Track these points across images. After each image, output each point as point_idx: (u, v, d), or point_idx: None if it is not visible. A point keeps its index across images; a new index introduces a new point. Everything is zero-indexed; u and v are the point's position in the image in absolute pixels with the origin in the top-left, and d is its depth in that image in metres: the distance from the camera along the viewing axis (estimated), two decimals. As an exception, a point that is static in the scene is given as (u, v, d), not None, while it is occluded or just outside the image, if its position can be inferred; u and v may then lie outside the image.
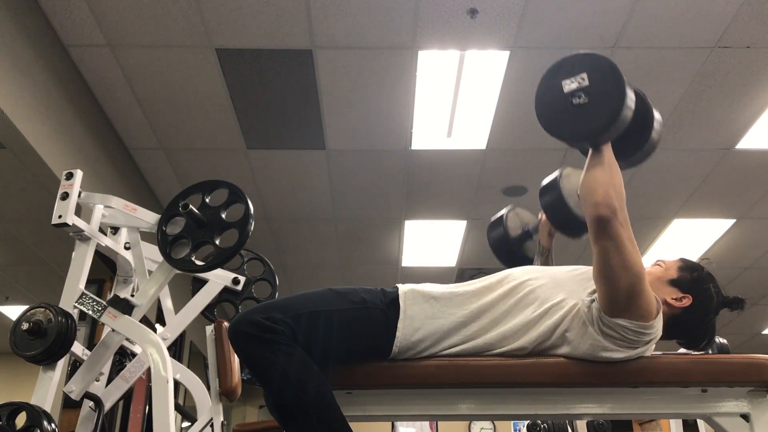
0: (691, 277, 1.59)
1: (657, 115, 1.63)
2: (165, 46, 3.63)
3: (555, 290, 1.51)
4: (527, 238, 2.09)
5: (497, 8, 3.40)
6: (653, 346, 1.50)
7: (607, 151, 1.46)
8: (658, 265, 1.63)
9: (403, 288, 1.55)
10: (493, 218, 2.12)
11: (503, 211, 2.11)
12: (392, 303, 1.51)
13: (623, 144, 1.51)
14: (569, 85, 1.44)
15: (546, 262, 1.99)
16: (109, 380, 2.32)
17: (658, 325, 1.45)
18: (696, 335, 1.61)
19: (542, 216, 1.99)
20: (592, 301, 1.45)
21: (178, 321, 2.50)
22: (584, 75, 1.44)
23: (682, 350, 1.69)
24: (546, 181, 1.89)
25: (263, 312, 1.42)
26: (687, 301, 1.56)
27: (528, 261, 2.05)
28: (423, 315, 1.50)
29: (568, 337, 1.46)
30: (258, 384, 1.44)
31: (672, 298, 1.56)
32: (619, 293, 1.40)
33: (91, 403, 2.26)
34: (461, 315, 1.51)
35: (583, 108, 1.42)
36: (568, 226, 1.68)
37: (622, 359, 1.45)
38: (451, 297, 1.53)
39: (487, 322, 1.50)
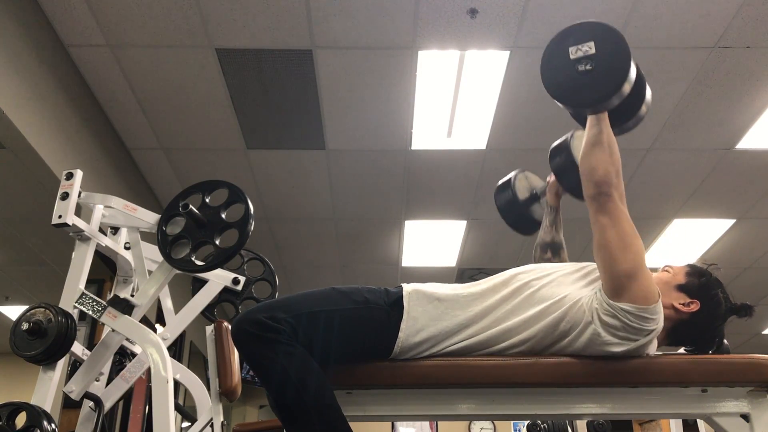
0: (699, 282, 1.58)
1: (648, 88, 1.72)
2: (165, 46, 3.63)
3: (559, 288, 1.52)
4: (535, 201, 2.13)
5: (497, 8, 3.40)
6: (655, 344, 1.50)
7: (605, 123, 1.50)
8: (666, 270, 1.63)
9: (407, 288, 1.55)
10: (501, 182, 2.17)
11: (511, 175, 2.16)
12: (396, 303, 1.51)
13: (617, 112, 1.57)
14: (576, 51, 1.47)
15: (554, 221, 2.00)
16: (109, 380, 2.32)
17: (659, 311, 1.44)
18: (704, 341, 1.60)
19: (550, 177, 2.02)
20: (597, 292, 1.47)
21: (178, 321, 2.50)
22: (591, 43, 1.46)
23: (682, 350, 1.69)
24: (556, 143, 1.93)
25: (266, 311, 1.42)
26: (695, 307, 1.55)
27: (535, 223, 2.08)
28: (427, 316, 1.50)
29: (568, 332, 1.46)
30: (259, 383, 1.45)
31: (680, 303, 1.55)
32: (619, 271, 1.42)
33: (91, 403, 2.26)
34: (465, 317, 1.50)
35: (588, 75, 1.45)
36: (577, 188, 1.71)
37: (622, 353, 1.45)
38: (456, 299, 1.53)
39: (489, 321, 1.50)
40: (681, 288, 1.58)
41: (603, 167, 1.45)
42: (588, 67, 1.45)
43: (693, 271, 1.61)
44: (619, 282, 1.42)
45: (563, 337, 1.47)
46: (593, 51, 1.45)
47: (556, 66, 1.50)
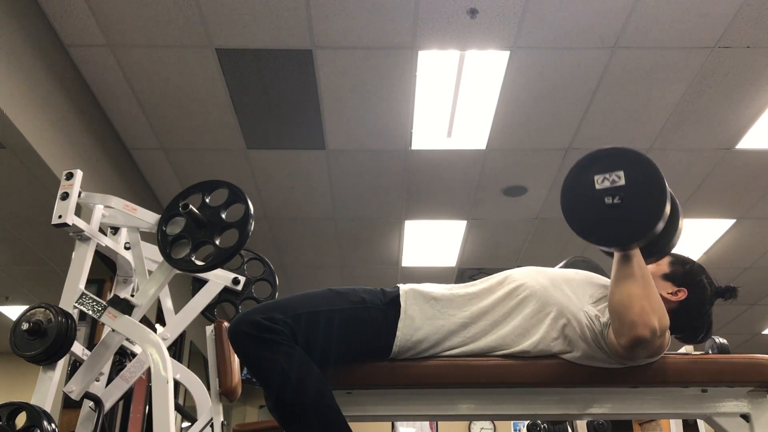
0: (683, 270, 1.60)
1: (680, 210, 1.55)
2: (165, 46, 3.63)
3: (555, 293, 1.51)
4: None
5: (497, 8, 3.40)
6: None
7: (637, 256, 1.36)
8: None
9: (403, 288, 1.55)
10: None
11: (560, 265, 1.98)
12: (392, 302, 1.52)
13: (647, 245, 1.42)
14: (602, 181, 1.34)
15: None
16: (109, 380, 2.32)
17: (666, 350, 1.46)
18: (694, 328, 1.61)
19: None
20: (598, 317, 1.45)
21: (178, 321, 2.50)
22: (620, 173, 1.33)
23: (682, 350, 1.70)
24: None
25: (263, 312, 1.42)
26: (682, 295, 1.57)
27: None
28: (423, 315, 1.50)
29: (566, 349, 1.47)
30: (258, 384, 1.44)
31: (667, 293, 1.56)
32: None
33: (91, 403, 2.25)
34: (462, 317, 1.51)
35: (616, 210, 1.31)
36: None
37: (618, 367, 1.47)
38: (452, 298, 1.53)
39: (487, 324, 1.51)
40: (667, 277, 1.59)
41: (638, 304, 1.31)
42: (616, 200, 1.31)
43: (676, 260, 1.62)
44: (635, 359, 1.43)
45: (560, 347, 1.48)
46: (622, 182, 1.32)
47: (579, 195, 1.36)
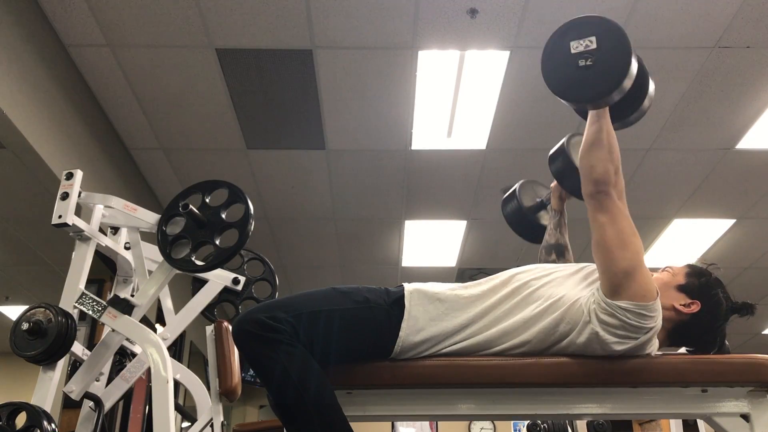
0: (699, 282, 1.58)
1: (651, 81, 1.71)
2: (165, 46, 3.63)
3: (558, 288, 1.52)
4: (541, 208, 2.14)
5: (497, 8, 3.40)
6: (655, 343, 1.50)
7: (605, 120, 1.49)
8: (667, 271, 1.63)
9: (408, 287, 1.55)
10: (506, 194, 2.18)
11: (515, 186, 2.17)
12: (396, 302, 1.51)
13: (619, 107, 1.57)
14: (577, 46, 1.46)
15: (559, 223, 2.01)
16: (109, 380, 2.32)
17: (657, 309, 1.44)
18: (705, 342, 1.59)
19: (554, 183, 2.03)
20: (595, 291, 1.46)
21: (178, 321, 2.50)
22: (593, 38, 1.46)
23: (682, 350, 1.69)
24: (554, 148, 1.93)
25: (266, 311, 1.42)
26: (695, 307, 1.54)
27: (544, 229, 2.08)
28: (427, 316, 1.50)
29: (568, 333, 1.46)
30: (260, 383, 1.45)
31: (680, 304, 1.55)
32: (617, 270, 1.42)
33: (91, 403, 2.26)
34: (465, 318, 1.51)
35: (588, 70, 1.44)
36: (579, 190, 1.70)
37: (622, 352, 1.45)
38: (456, 299, 1.53)
39: (488, 321, 1.51)
40: (681, 288, 1.57)
41: (602, 165, 1.45)
42: (589, 62, 1.44)
43: (693, 271, 1.60)
44: (617, 280, 1.42)
45: (563, 338, 1.47)
46: (594, 46, 1.45)
47: (557, 60, 1.50)
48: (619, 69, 1.43)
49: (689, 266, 1.63)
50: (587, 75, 1.44)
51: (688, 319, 1.54)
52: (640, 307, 1.41)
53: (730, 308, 1.58)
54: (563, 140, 1.93)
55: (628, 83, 1.44)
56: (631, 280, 1.41)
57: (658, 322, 1.45)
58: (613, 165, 1.47)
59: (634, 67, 1.45)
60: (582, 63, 1.44)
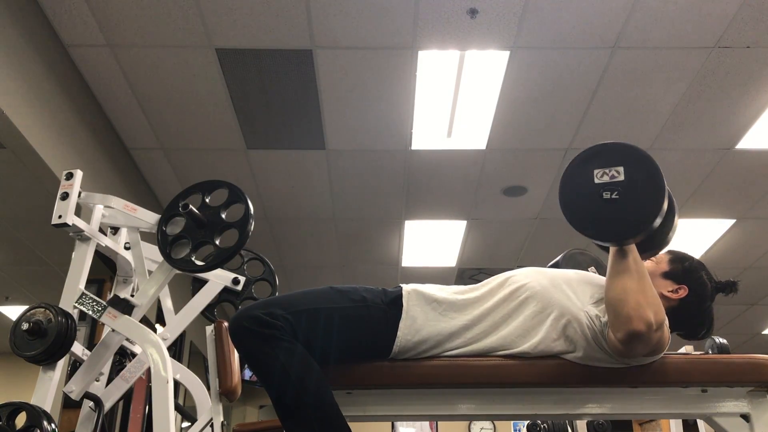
0: (683, 267, 1.60)
1: (677, 215, 1.57)
2: (165, 46, 3.63)
3: (556, 294, 1.51)
4: None
5: (497, 8, 3.40)
6: None
7: (633, 252, 1.37)
8: (650, 260, 1.64)
9: (406, 288, 1.55)
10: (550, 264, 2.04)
11: (558, 258, 1.99)
12: (394, 302, 1.51)
13: (643, 241, 1.42)
14: (601, 176, 1.33)
15: None
16: (109, 380, 2.31)
17: (666, 348, 1.46)
18: (695, 324, 1.61)
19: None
20: (598, 316, 1.45)
21: (178, 321, 2.50)
22: (620, 168, 1.32)
23: (682, 350, 1.70)
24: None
25: (264, 308, 1.42)
26: (683, 292, 1.57)
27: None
28: (425, 317, 1.50)
29: (567, 350, 1.47)
30: (259, 383, 1.45)
31: (668, 291, 1.57)
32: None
33: (91, 403, 2.25)
34: (463, 320, 1.51)
35: (614, 205, 1.31)
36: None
37: (619, 367, 1.47)
38: (454, 301, 1.53)
39: (488, 325, 1.51)
40: (667, 275, 1.59)
41: (634, 299, 1.31)
42: (614, 195, 1.31)
43: (675, 257, 1.63)
44: (635, 357, 1.43)
45: (563, 353, 1.48)
46: (621, 177, 1.32)
47: (577, 188, 1.36)
48: (649, 208, 1.31)
49: (670, 252, 1.64)
50: (612, 210, 1.31)
51: (677, 304, 1.56)
52: (648, 359, 1.44)
53: (714, 288, 1.60)
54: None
55: (658, 222, 1.32)
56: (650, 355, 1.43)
57: (665, 350, 1.47)
58: (645, 297, 1.31)
59: (666, 205, 1.32)
60: (607, 195, 1.31)
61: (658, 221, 1.32)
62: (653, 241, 1.50)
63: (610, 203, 1.31)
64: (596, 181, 1.33)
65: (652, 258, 1.64)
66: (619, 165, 1.33)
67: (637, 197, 1.31)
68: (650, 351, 1.41)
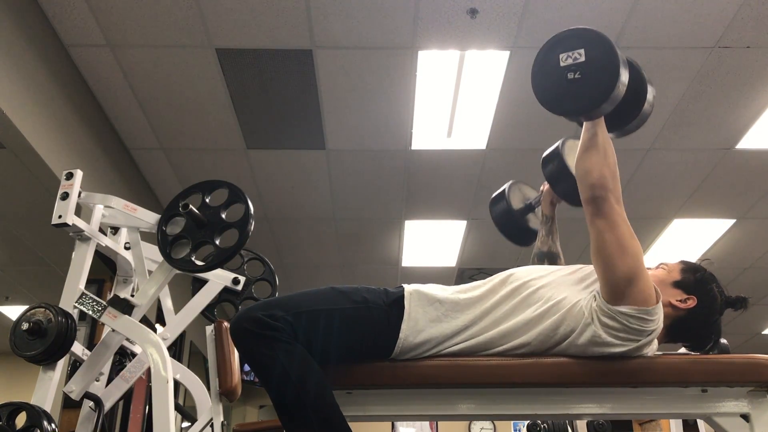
0: (694, 278, 1.59)
1: (650, 87, 1.67)
2: (165, 46, 3.63)
3: (558, 289, 1.51)
4: (529, 211, 2.13)
5: (497, 8, 3.40)
6: (655, 345, 1.50)
7: (600, 127, 1.48)
8: (662, 268, 1.63)
9: (408, 288, 1.55)
10: (495, 194, 2.17)
11: (504, 186, 2.15)
12: (395, 303, 1.51)
13: (616, 115, 1.55)
14: (566, 59, 1.46)
15: (550, 230, 2.00)
16: (109, 380, 2.32)
17: (659, 313, 1.44)
18: (702, 336, 1.60)
19: (544, 186, 2.02)
20: (595, 295, 1.46)
21: (178, 321, 2.50)
22: (581, 50, 1.45)
23: (682, 350, 1.70)
24: (547, 151, 1.92)
25: (264, 309, 1.42)
26: (692, 303, 1.56)
27: (532, 233, 2.07)
28: (427, 318, 1.50)
29: (568, 335, 1.46)
30: (259, 383, 1.45)
31: (677, 300, 1.56)
32: (617, 276, 1.41)
33: (91, 403, 2.25)
34: (465, 319, 1.51)
35: (577, 83, 1.44)
36: (572, 194, 1.71)
37: (622, 354, 1.45)
38: (456, 301, 1.53)
39: (489, 322, 1.51)
40: (677, 285, 1.58)
41: (598, 170, 1.44)
42: (577, 75, 1.44)
43: (687, 267, 1.62)
44: (618, 287, 1.42)
45: (563, 339, 1.47)
46: (583, 59, 1.44)
47: (546, 73, 1.50)
48: (606, 81, 1.42)
49: (683, 262, 1.64)
50: (576, 88, 1.44)
51: (684, 314, 1.55)
52: (641, 312, 1.41)
53: (724, 302, 1.60)
54: (557, 143, 1.92)
55: (618, 94, 1.43)
56: (631, 285, 1.41)
57: (659, 325, 1.45)
58: (609, 170, 1.45)
59: (625, 77, 1.43)
60: (571, 76, 1.44)
61: (617, 93, 1.42)
62: (624, 115, 1.62)
63: (575, 82, 1.44)
64: (561, 64, 1.46)
65: (664, 266, 1.63)
66: (581, 48, 1.45)
67: (597, 73, 1.43)
68: (611, 223, 1.43)
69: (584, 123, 1.51)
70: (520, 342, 1.48)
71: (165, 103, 4.09)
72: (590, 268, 1.57)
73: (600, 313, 1.43)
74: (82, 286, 2.03)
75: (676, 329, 1.55)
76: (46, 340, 1.87)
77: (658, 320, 1.44)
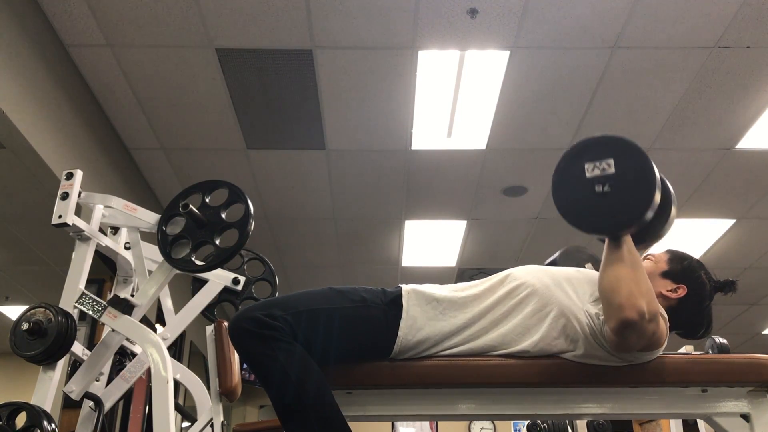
0: (681, 266, 1.60)
1: (675, 206, 1.56)
2: (165, 46, 3.63)
3: (556, 292, 1.51)
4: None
5: (497, 8, 3.40)
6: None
7: (627, 242, 1.37)
8: (648, 259, 1.64)
9: (406, 288, 1.55)
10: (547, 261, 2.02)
11: (555, 255, 1.97)
12: (393, 302, 1.51)
13: (638, 232, 1.41)
14: (592, 170, 1.33)
15: None
16: (109, 380, 2.31)
17: (664, 345, 1.46)
18: (694, 323, 1.62)
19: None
20: (598, 315, 1.44)
21: (178, 321, 2.50)
22: (610, 161, 1.32)
23: (682, 350, 1.70)
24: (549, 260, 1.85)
25: (263, 309, 1.42)
26: (682, 291, 1.57)
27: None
28: (425, 316, 1.50)
29: (568, 348, 1.47)
30: (258, 383, 1.45)
31: (667, 290, 1.57)
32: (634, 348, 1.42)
33: (91, 403, 2.25)
34: (463, 318, 1.51)
35: (606, 198, 1.31)
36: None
37: (619, 366, 1.47)
38: (454, 300, 1.53)
39: (487, 323, 1.51)
40: (666, 275, 1.59)
41: (626, 287, 1.30)
42: (606, 188, 1.30)
43: (674, 256, 1.63)
44: (631, 350, 1.43)
45: (562, 352, 1.48)
46: (612, 170, 1.31)
47: (569, 183, 1.36)
48: (641, 199, 1.30)
49: (669, 251, 1.65)
50: (604, 203, 1.31)
51: (676, 304, 1.57)
52: (647, 355, 1.44)
53: (713, 287, 1.60)
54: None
55: (651, 214, 1.30)
56: (646, 348, 1.42)
57: (663, 347, 1.47)
58: (638, 286, 1.31)
59: (658, 196, 1.31)
60: (599, 189, 1.31)
61: (650, 213, 1.31)
62: (649, 231, 1.48)
63: (602, 196, 1.31)
64: (588, 175, 1.33)
65: (651, 257, 1.65)
66: (610, 157, 1.32)
67: (629, 189, 1.30)
68: (646, 344, 1.39)
69: (606, 240, 1.39)
70: (519, 349, 1.48)
71: (165, 103, 4.09)
72: (595, 274, 1.58)
73: (602, 340, 1.44)
74: (82, 286, 2.03)
75: (669, 319, 1.55)
76: (46, 340, 1.87)
77: (662, 349, 1.47)
